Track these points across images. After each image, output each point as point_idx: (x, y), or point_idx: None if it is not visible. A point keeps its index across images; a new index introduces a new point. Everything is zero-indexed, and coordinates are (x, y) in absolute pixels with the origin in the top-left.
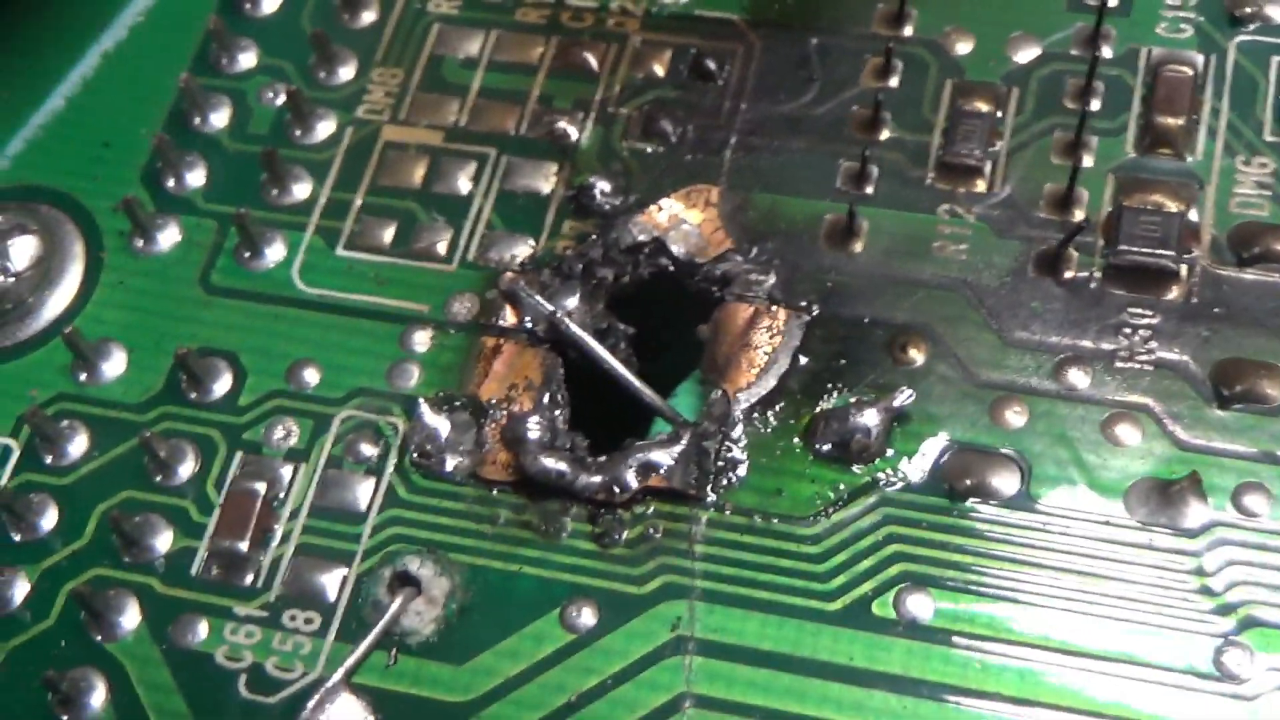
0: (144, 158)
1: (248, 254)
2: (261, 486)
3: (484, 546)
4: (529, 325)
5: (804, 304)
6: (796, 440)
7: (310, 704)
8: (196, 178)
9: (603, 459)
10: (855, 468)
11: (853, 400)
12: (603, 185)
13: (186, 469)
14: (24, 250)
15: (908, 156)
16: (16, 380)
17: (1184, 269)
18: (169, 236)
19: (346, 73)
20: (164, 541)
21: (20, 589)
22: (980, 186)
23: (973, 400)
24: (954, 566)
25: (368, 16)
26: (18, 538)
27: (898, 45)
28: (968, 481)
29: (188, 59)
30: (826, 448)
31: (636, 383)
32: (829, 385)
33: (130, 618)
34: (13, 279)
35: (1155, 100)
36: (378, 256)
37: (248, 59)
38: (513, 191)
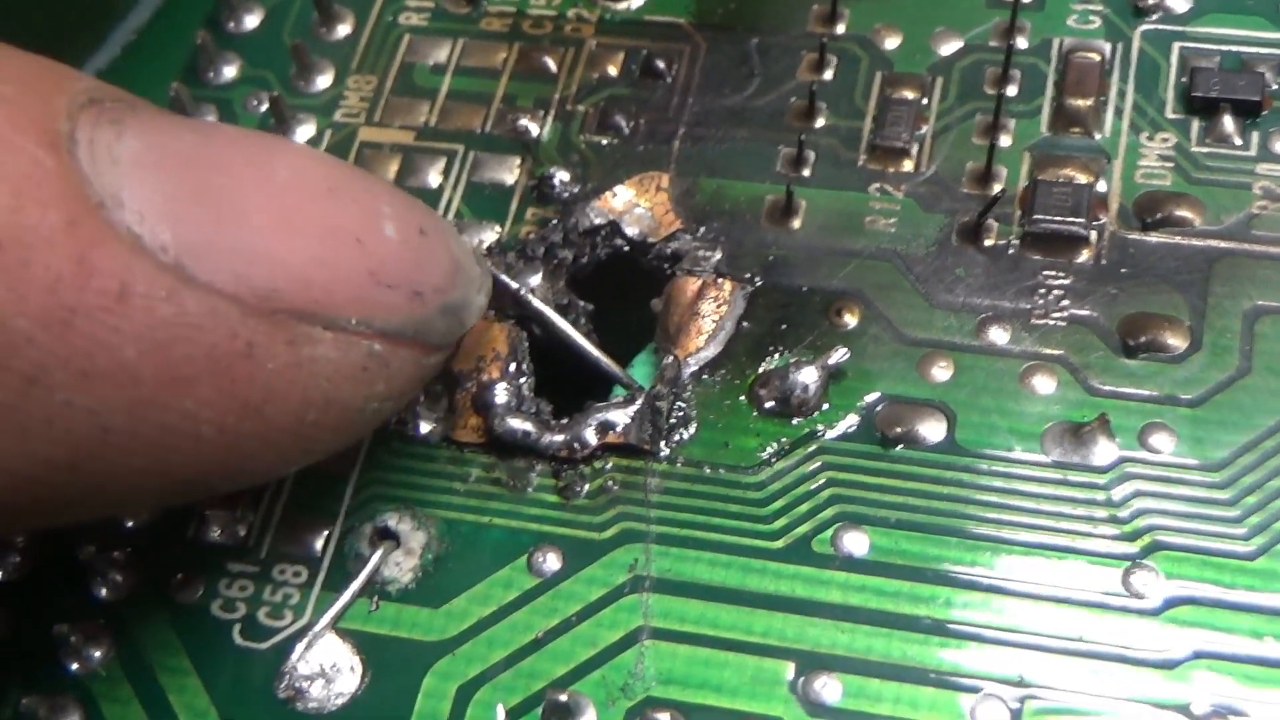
0: None
1: None
2: None
3: (457, 501)
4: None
5: (747, 276)
6: (742, 398)
7: (299, 647)
8: None
9: (565, 420)
10: (795, 421)
11: (792, 360)
12: (562, 175)
13: None
14: None
15: (841, 141)
16: None
17: (1093, 234)
18: None
19: (324, 81)
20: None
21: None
22: (908, 167)
23: (902, 357)
24: (886, 506)
25: (343, 29)
26: None
27: (831, 42)
28: (898, 430)
29: (179, 73)
30: (769, 404)
31: (595, 352)
32: (771, 348)
33: (131, 577)
34: None
35: (1066, 84)
36: None
37: (232, 70)
38: (480, 183)
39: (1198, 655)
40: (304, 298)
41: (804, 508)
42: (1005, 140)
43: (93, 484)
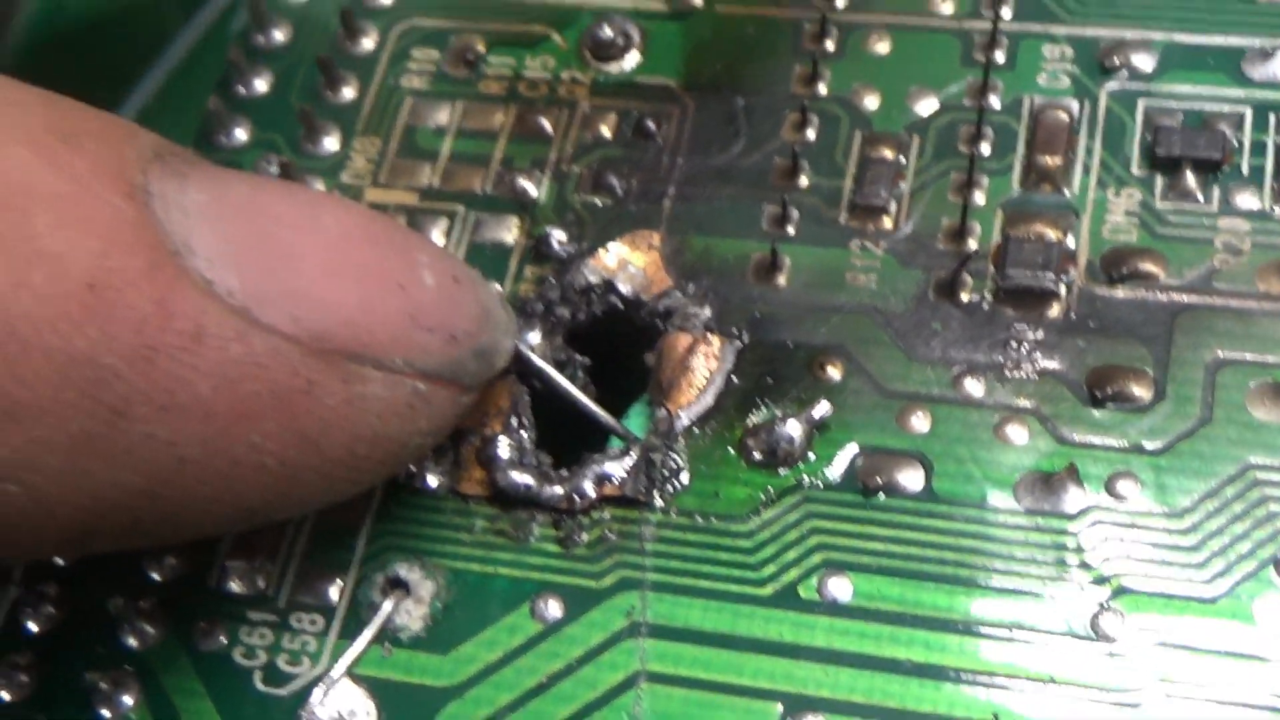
0: None
1: None
2: None
3: (463, 552)
4: None
5: (735, 332)
6: (731, 450)
7: (317, 693)
8: None
9: (564, 472)
10: (781, 471)
11: (778, 413)
12: (559, 234)
13: None
14: None
15: (823, 200)
16: None
17: (1063, 289)
18: None
19: (331, 143)
20: (184, 562)
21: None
22: (887, 224)
23: (882, 409)
24: (868, 553)
25: (348, 93)
26: None
27: (813, 102)
28: (878, 479)
29: (192, 136)
30: (757, 455)
31: (592, 406)
32: (758, 401)
33: (157, 626)
34: None
35: (1037, 142)
36: None
37: (244, 134)
38: (481, 243)
39: (1163, 695)
40: (353, 339)
41: (791, 555)
42: (979, 197)
43: (168, 510)
